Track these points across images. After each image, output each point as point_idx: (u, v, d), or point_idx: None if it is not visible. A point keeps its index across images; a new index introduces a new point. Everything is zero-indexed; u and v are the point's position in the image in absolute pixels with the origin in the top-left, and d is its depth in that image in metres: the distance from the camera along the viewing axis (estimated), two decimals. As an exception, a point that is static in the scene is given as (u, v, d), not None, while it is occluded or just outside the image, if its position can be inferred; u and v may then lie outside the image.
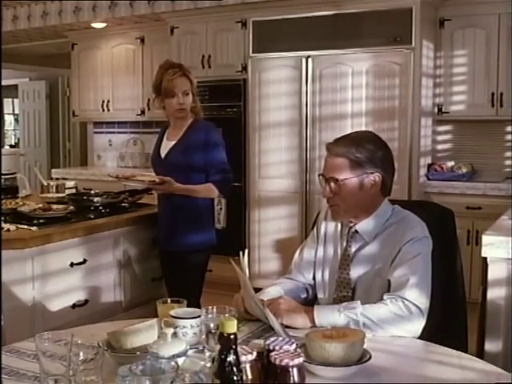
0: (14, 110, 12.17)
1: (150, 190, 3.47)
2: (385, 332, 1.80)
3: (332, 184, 2.00)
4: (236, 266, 1.87)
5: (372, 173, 1.99)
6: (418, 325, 1.83)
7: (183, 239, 3.14)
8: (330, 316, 1.82)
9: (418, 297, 1.85)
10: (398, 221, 2.01)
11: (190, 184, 3.09)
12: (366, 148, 1.99)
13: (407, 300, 1.83)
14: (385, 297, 1.86)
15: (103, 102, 6.49)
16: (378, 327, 1.80)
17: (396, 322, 1.81)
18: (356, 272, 2.03)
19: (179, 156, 3.16)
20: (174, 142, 3.19)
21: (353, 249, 2.05)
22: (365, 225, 2.03)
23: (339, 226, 2.14)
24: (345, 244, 2.08)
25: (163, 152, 3.22)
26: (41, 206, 3.23)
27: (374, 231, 2.02)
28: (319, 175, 2.07)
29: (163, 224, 3.24)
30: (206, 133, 3.16)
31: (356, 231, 2.05)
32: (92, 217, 3.25)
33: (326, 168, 2.03)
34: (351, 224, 2.07)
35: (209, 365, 1.38)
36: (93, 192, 3.72)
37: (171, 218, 3.18)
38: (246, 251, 1.92)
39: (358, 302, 1.85)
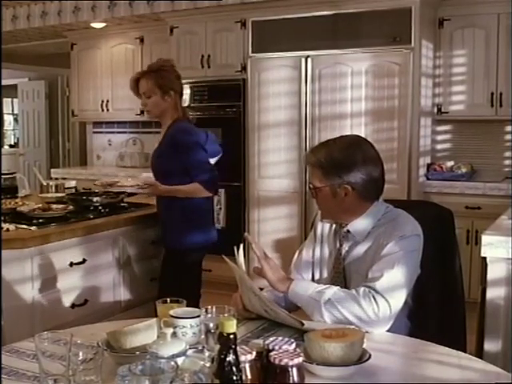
0: (13, 110, 12.15)
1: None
2: (342, 318, 1.82)
3: (312, 189, 2.06)
4: (229, 261, 1.88)
5: (342, 183, 1.98)
6: (381, 330, 1.83)
7: (175, 238, 3.18)
8: (299, 295, 1.90)
9: (389, 295, 1.83)
10: (390, 220, 2.01)
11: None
12: (337, 159, 1.99)
13: (381, 300, 1.81)
14: (361, 290, 1.84)
15: (102, 101, 6.49)
16: (338, 315, 1.82)
17: (360, 321, 1.81)
18: (348, 271, 2.04)
19: (156, 160, 3.22)
20: (156, 145, 3.24)
21: (345, 248, 2.06)
22: (356, 224, 2.04)
23: (334, 225, 2.14)
24: (338, 244, 2.09)
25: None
26: (40, 205, 3.23)
27: (365, 230, 2.02)
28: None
29: (159, 223, 3.31)
30: (175, 138, 3.14)
31: (348, 231, 2.05)
32: (91, 217, 3.25)
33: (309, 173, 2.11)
34: (343, 224, 2.07)
35: (208, 364, 1.38)
36: (92, 192, 3.72)
37: (163, 218, 3.25)
38: (241, 246, 1.93)
39: (334, 288, 1.87)
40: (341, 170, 1.98)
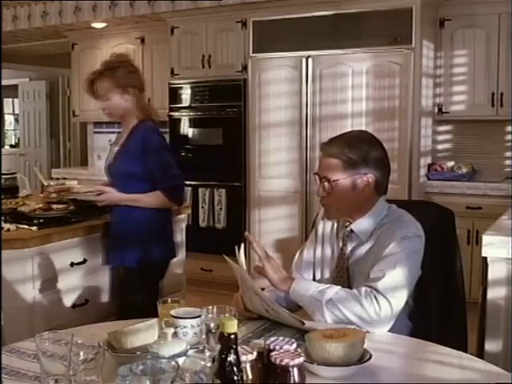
0: (14, 110, 12.16)
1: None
2: (343, 318, 1.81)
3: (325, 183, 2.01)
4: (230, 260, 1.87)
5: (365, 173, 1.98)
6: (382, 330, 1.83)
7: (131, 256, 2.87)
8: (301, 294, 1.89)
9: (391, 295, 1.83)
10: (392, 220, 2.01)
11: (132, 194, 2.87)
12: (360, 148, 1.98)
13: (382, 300, 1.81)
14: (362, 290, 1.84)
15: (103, 101, 6.48)
16: (340, 314, 1.81)
17: (361, 321, 1.80)
18: (352, 271, 2.03)
19: (118, 164, 2.94)
20: (117, 149, 2.97)
21: (349, 248, 2.06)
22: (360, 224, 2.03)
23: (335, 225, 2.14)
24: (341, 244, 2.08)
25: (110, 160, 3.03)
26: (41, 205, 3.23)
27: (369, 230, 2.02)
28: (315, 174, 2.09)
29: (109, 236, 3.03)
30: (144, 137, 2.85)
31: (351, 230, 2.05)
32: (92, 217, 3.23)
33: (320, 167, 2.04)
34: (347, 223, 2.07)
35: (209, 365, 1.38)
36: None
37: (116, 231, 2.96)
38: (242, 245, 1.92)
39: (335, 288, 1.86)
40: (366, 160, 1.97)
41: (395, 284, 1.85)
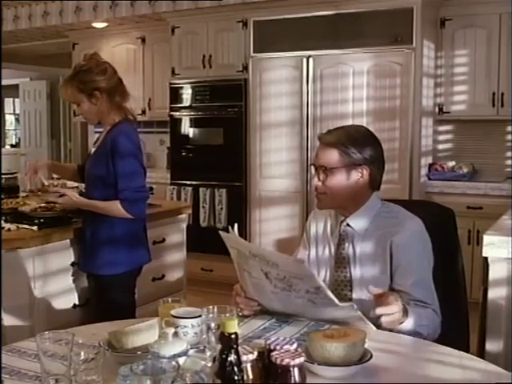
0: (14, 110, 12.18)
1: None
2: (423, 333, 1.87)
3: (321, 172, 2.03)
4: (223, 232, 1.84)
5: (360, 165, 2.00)
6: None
7: (102, 262, 2.79)
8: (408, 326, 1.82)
9: (434, 300, 1.98)
10: (391, 216, 2.03)
11: (102, 198, 2.76)
12: (358, 140, 2.02)
13: (432, 307, 1.93)
14: (429, 312, 1.93)
15: (104, 101, 6.48)
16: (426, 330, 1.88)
17: (432, 325, 1.91)
18: (353, 270, 2.03)
19: (90, 166, 2.87)
20: (93, 150, 2.90)
21: (346, 246, 2.06)
22: (356, 218, 2.05)
23: (329, 224, 2.14)
24: (337, 241, 2.09)
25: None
26: (43, 205, 3.22)
27: (365, 225, 2.04)
28: (311, 165, 2.11)
29: (81, 241, 2.93)
30: (113, 140, 2.73)
31: (348, 225, 2.06)
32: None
33: (317, 157, 2.06)
34: (342, 218, 2.08)
35: (210, 364, 1.38)
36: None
37: (87, 237, 2.86)
38: (236, 225, 1.85)
39: (420, 312, 1.89)
40: (363, 153, 2.00)
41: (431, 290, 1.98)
